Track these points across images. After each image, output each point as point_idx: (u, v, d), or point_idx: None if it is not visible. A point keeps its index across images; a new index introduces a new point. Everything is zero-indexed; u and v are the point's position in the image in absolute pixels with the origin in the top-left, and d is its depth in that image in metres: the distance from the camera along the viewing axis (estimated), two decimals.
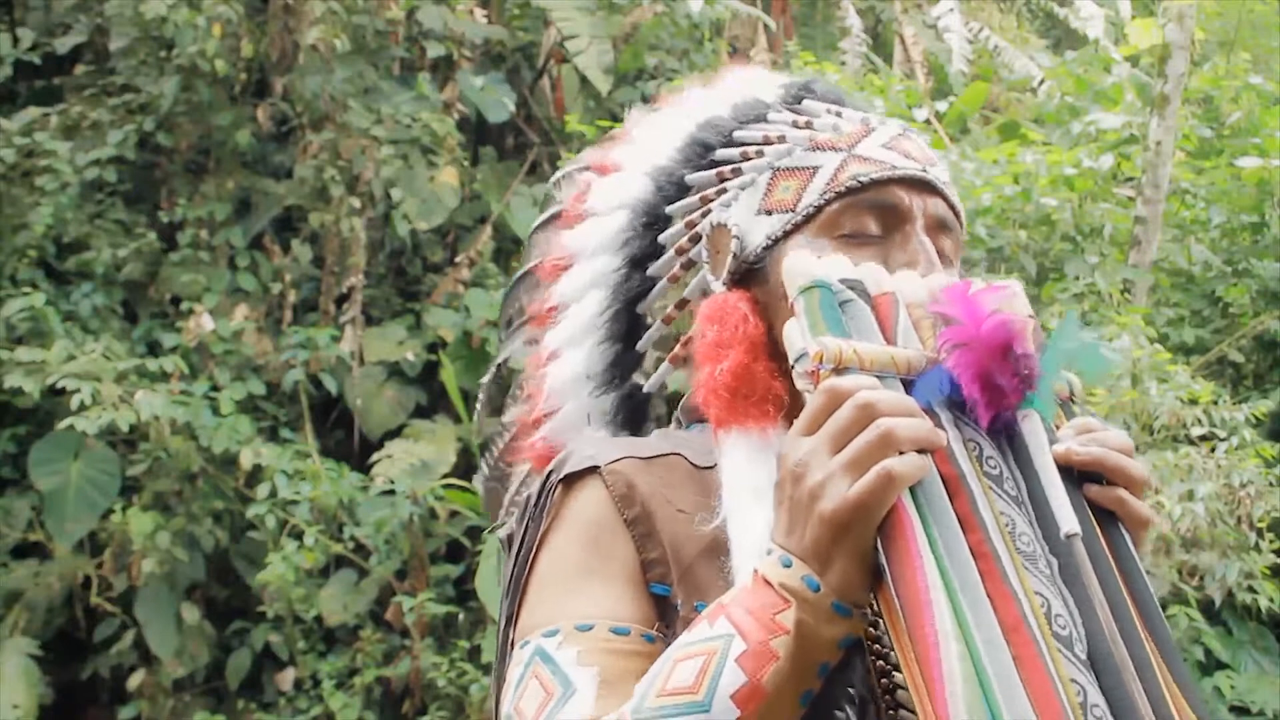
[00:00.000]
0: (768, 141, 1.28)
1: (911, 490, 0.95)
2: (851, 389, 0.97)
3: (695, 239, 1.30)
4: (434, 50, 7.86)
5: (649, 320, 1.34)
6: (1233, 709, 4.94)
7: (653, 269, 1.33)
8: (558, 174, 1.48)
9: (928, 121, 6.77)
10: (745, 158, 1.28)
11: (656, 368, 1.37)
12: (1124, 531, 1.02)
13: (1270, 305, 5.94)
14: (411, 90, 7.80)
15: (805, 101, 1.31)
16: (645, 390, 1.34)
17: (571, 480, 1.18)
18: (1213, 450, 4.75)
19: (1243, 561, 4.68)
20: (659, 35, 7.84)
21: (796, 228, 1.22)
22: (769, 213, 1.24)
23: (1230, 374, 5.83)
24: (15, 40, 7.97)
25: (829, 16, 9.05)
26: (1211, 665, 4.98)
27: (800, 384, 1.03)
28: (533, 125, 8.50)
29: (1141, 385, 4.78)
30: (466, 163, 7.93)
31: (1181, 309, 6.04)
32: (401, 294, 7.96)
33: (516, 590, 1.17)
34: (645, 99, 7.86)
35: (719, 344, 1.19)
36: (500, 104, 7.89)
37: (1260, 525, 4.71)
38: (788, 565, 0.98)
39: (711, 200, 1.29)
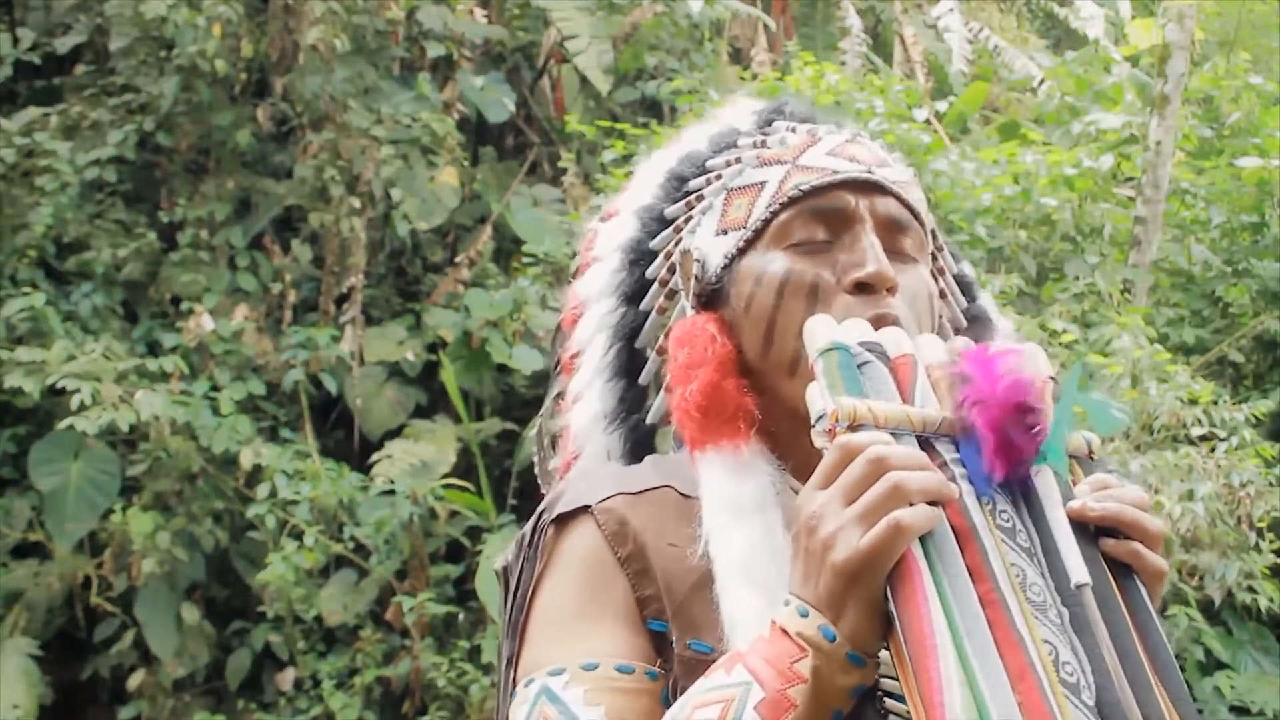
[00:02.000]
0: (728, 165, 1.31)
1: (922, 541, 0.98)
2: (864, 444, 1.00)
3: (672, 269, 1.33)
4: (434, 50, 7.86)
5: (647, 354, 1.37)
6: (1233, 709, 4.94)
7: (643, 304, 1.36)
8: (582, 232, 1.52)
9: (928, 121, 6.77)
10: (709, 183, 1.32)
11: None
12: (1139, 585, 1.03)
13: (1270, 305, 5.94)
14: (411, 90, 7.80)
15: (774, 123, 1.34)
16: (647, 422, 1.37)
17: (563, 520, 1.20)
18: (1213, 450, 4.75)
19: (1243, 561, 4.68)
20: (659, 35, 7.85)
21: (749, 243, 1.25)
22: (725, 232, 1.27)
23: (1230, 374, 5.83)
24: (15, 40, 7.97)
25: (829, 16, 9.04)
26: (1211, 665, 4.98)
27: (818, 443, 1.05)
28: (533, 125, 8.50)
29: (1141, 385, 4.78)
30: (466, 163, 7.93)
31: (1181, 309, 6.04)
32: (401, 294, 7.96)
33: (516, 631, 1.19)
34: (645, 99, 7.89)
35: (689, 365, 1.22)
36: (500, 104, 7.89)
37: (1260, 525, 4.71)
38: (804, 615, 1.00)
39: (682, 229, 1.33)
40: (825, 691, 0.99)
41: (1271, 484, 4.72)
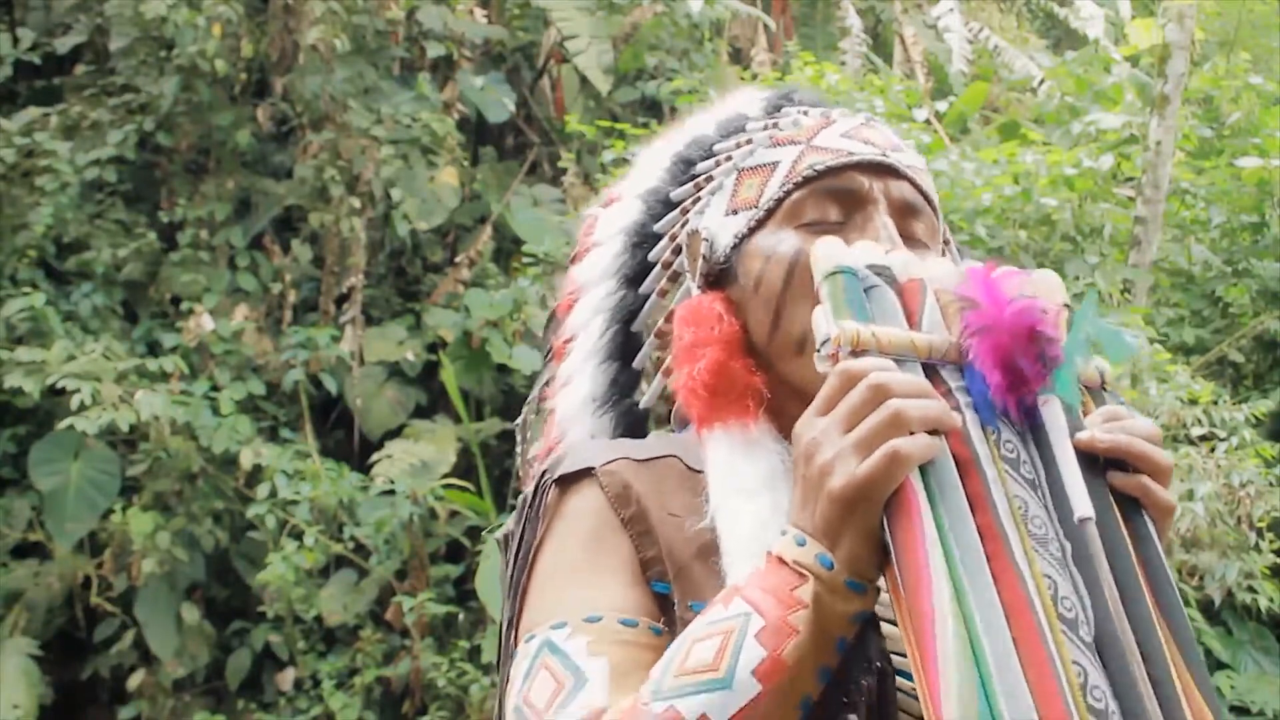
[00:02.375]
0: (738, 147, 1.30)
1: (921, 470, 0.96)
2: (864, 370, 0.98)
3: (677, 251, 1.32)
4: (434, 50, 7.86)
5: (644, 337, 1.36)
6: (1233, 709, 4.94)
7: (643, 286, 1.36)
8: (579, 219, 1.51)
9: (928, 121, 6.77)
10: (717, 165, 1.31)
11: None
12: (1147, 519, 1.01)
13: (1270, 305, 5.94)
14: (411, 90, 7.80)
15: (784, 109, 1.34)
16: (642, 405, 1.36)
17: (566, 482, 1.19)
18: (1213, 450, 4.75)
19: (1243, 561, 4.68)
20: (659, 35, 7.85)
21: (760, 223, 1.24)
22: (735, 212, 1.26)
23: (1230, 374, 5.83)
24: (15, 40, 7.97)
25: (829, 16, 9.05)
26: (1211, 665, 4.98)
27: (821, 368, 1.03)
28: (533, 125, 8.51)
29: (1141, 385, 4.78)
30: (466, 163, 7.93)
31: (1181, 309, 6.05)
32: (401, 294, 7.96)
33: (517, 592, 1.18)
34: (645, 99, 7.89)
35: (695, 344, 1.21)
36: (500, 104, 7.89)
37: (1260, 525, 4.71)
38: (801, 544, 0.99)
39: (689, 210, 1.32)
40: (827, 617, 0.98)
41: (1271, 484, 4.72)
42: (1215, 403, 4.83)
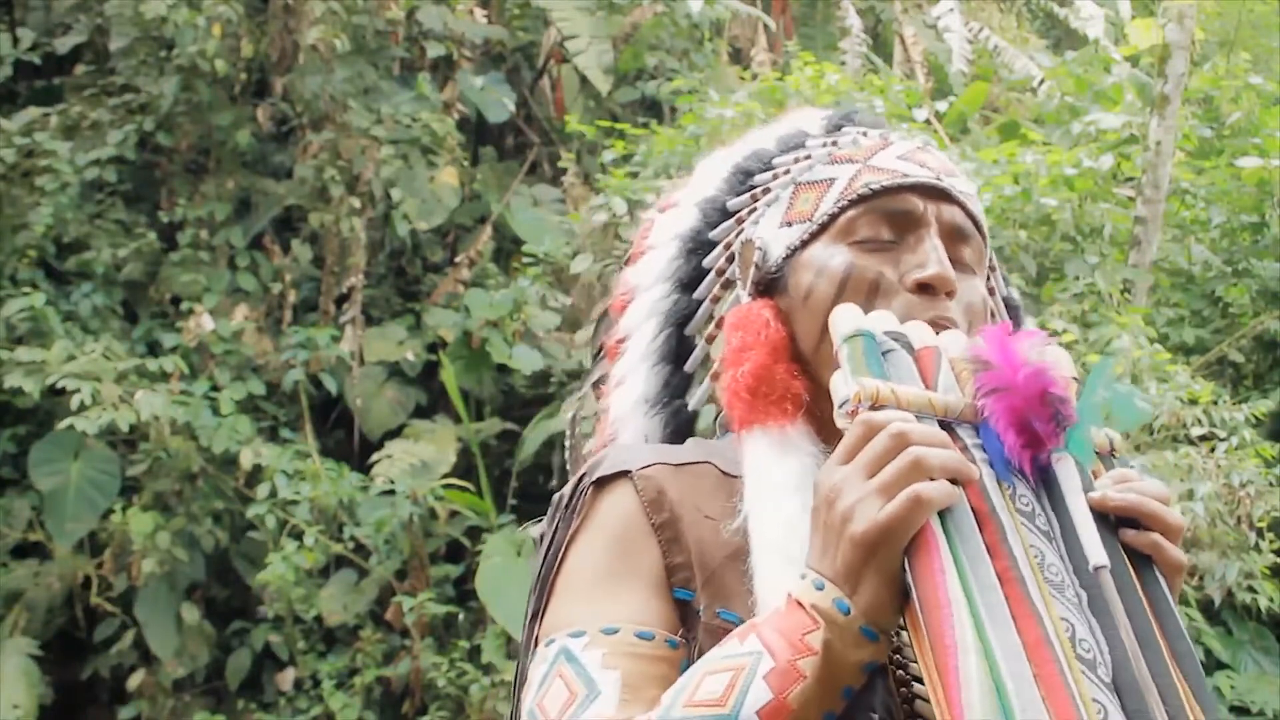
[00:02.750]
0: (796, 162, 1.33)
1: (941, 516, 0.98)
2: (885, 420, 1.01)
3: (731, 259, 1.36)
4: (434, 50, 7.86)
5: (696, 341, 1.40)
6: (1233, 709, 4.94)
7: (697, 292, 1.39)
8: (642, 221, 1.54)
9: (928, 121, 6.76)
10: (775, 178, 1.34)
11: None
12: (1159, 576, 1.04)
13: (1270, 305, 5.94)
14: (411, 90, 7.80)
15: (844, 128, 1.37)
16: (691, 407, 1.39)
17: (603, 483, 1.21)
18: (1213, 450, 4.75)
19: (1243, 561, 4.68)
20: (659, 35, 7.85)
21: (813, 236, 1.27)
22: (789, 224, 1.29)
23: (1230, 374, 5.83)
24: (15, 40, 7.97)
25: (829, 16, 9.04)
26: (1211, 665, 4.98)
27: (841, 424, 1.06)
28: (533, 125, 8.50)
29: (1141, 385, 4.78)
30: (466, 163, 7.93)
31: (1181, 309, 6.04)
32: (401, 294, 7.96)
33: (544, 588, 1.20)
34: (645, 99, 7.89)
35: (742, 348, 1.24)
36: (500, 104, 7.89)
37: (1260, 525, 4.71)
38: (820, 588, 1.01)
39: (745, 220, 1.35)
40: (836, 665, 0.99)
41: (1271, 484, 4.72)
42: (1215, 403, 4.83)
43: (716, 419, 1.36)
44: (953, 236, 1.26)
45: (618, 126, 6.86)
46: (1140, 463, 4.58)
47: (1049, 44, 9.68)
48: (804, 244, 1.27)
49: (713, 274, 1.37)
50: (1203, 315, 6.09)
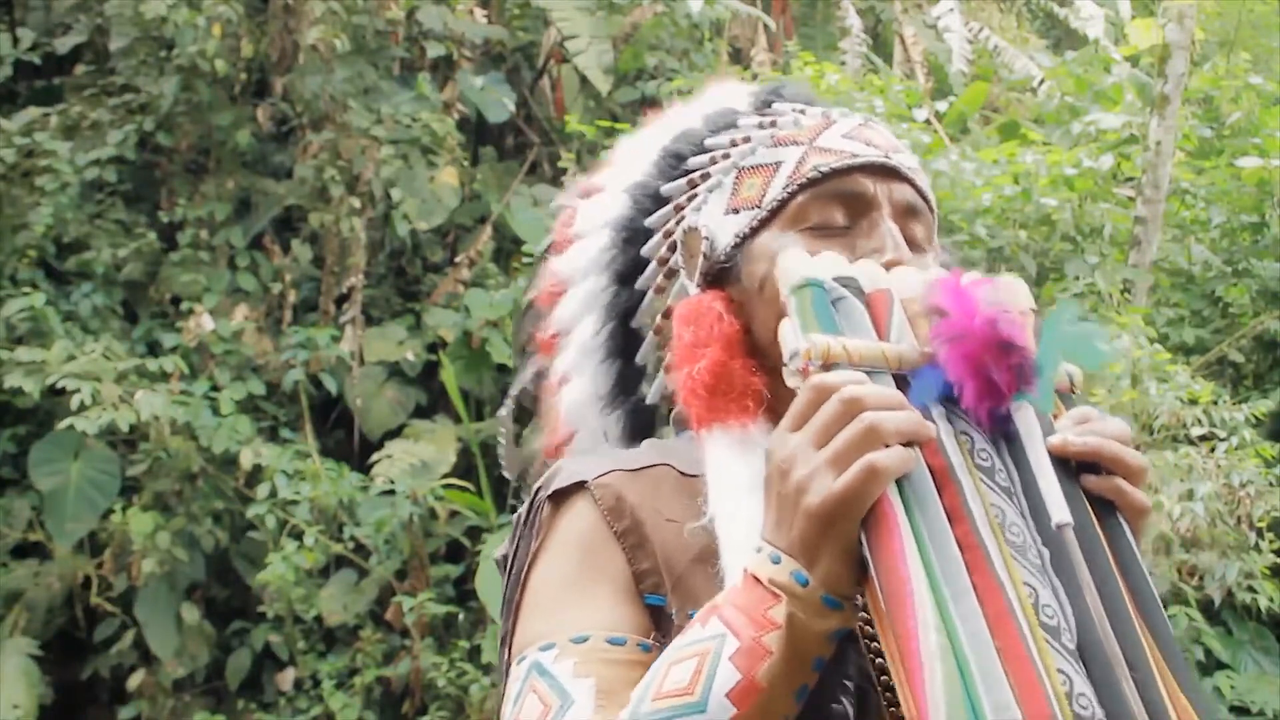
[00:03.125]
0: (734, 144, 1.29)
1: (898, 483, 0.95)
2: (837, 384, 0.98)
3: (673, 247, 1.31)
4: (434, 50, 7.86)
5: (643, 334, 1.35)
6: (1233, 709, 4.94)
7: (639, 283, 1.34)
8: (553, 203, 1.49)
9: (928, 121, 6.77)
10: (713, 162, 1.30)
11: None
12: (1122, 522, 1.01)
13: (1270, 305, 5.94)
14: (411, 90, 7.80)
15: (774, 105, 1.33)
16: (648, 401, 1.35)
17: (559, 497, 1.19)
18: (1213, 450, 4.75)
19: (1243, 561, 4.68)
20: (659, 35, 7.84)
21: (763, 223, 1.23)
22: (736, 211, 1.25)
23: (1230, 374, 5.83)
24: (15, 40, 7.97)
25: (829, 16, 9.04)
26: (1211, 665, 4.98)
27: (791, 382, 1.03)
28: (533, 125, 8.50)
29: (1141, 385, 4.78)
30: (466, 163, 7.93)
31: (1181, 309, 6.04)
32: (401, 294, 7.96)
33: (512, 608, 1.18)
34: (645, 99, 7.88)
35: (695, 344, 1.20)
36: (500, 104, 7.89)
37: (1260, 525, 4.71)
38: (776, 561, 0.98)
39: (684, 207, 1.31)
40: (802, 637, 0.97)
41: (1271, 484, 4.72)
42: (1215, 403, 4.82)
43: (671, 415, 1.32)
44: (905, 215, 1.23)
45: (618, 126, 6.86)
46: (1138, 453, 4.58)
47: (1049, 44, 9.68)
48: (754, 231, 1.23)
49: (654, 264, 1.33)
50: (1203, 315, 6.09)
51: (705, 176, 1.30)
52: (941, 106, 7.34)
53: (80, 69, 8.03)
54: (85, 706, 6.82)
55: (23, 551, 6.80)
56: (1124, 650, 0.93)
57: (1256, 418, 4.86)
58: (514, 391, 1.47)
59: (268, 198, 7.67)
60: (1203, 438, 4.82)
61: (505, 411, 1.49)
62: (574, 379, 1.36)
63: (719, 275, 1.25)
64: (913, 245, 1.21)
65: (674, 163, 1.34)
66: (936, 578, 0.92)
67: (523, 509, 1.22)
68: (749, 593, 0.99)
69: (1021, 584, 0.93)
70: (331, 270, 7.37)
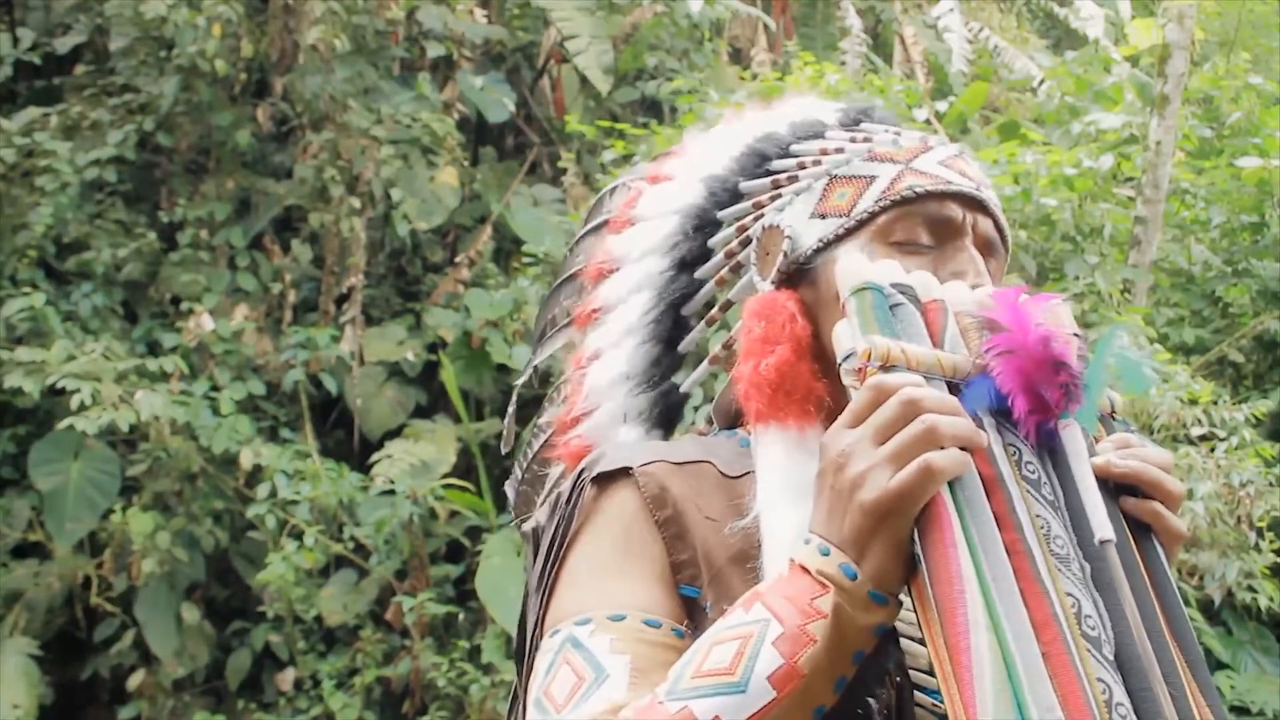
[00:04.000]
0: (825, 153, 1.31)
1: (950, 485, 0.97)
2: (897, 385, 1.00)
3: (745, 242, 1.32)
4: (434, 50, 7.86)
5: (692, 323, 1.36)
6: (1233, 709, 4.94)
7: (700, 271, 1.35)
8: (608, 186, 1.49)
9: (928, 121, 6.76)
10: (802, 166, 1.31)
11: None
12: (1157, 545, 1.04)
13: (1270, 305, 5.94)
14: (411, 90, 7.80)
15: (863, 124, 1.35)
16: (682, 390, 1.36)
17: (604, 480, 1.19)
18: (1212, 450, 4.75)
19: (1243, 561, 4.68)
20: (659, 35, 7.84)
21: (849, 232, 1.24)
22: (823, 216, 1.26)
23: (1230, 374, 5.82)
24: (15, 40, 7.97)
25: (829, 16, 9.04)
26: (1211, 665, 4.98)
27: (847, 380, 1.05)
28: (533, 125, 8.51)
29: None
30: (466, 163, 7.93)
31: (1181, 309, 6.04)
32: (401, 294, 7.96)
33: (547, 585, 1.18)
34: (645, 99, 7.89)
35: (765, 339, 1.21)
36: (500, 104, 7.89)
37: (1260, 525, 4.71)
38: (825, 553, 1.00)
39: (764, 205, 1.32)
40: (846, 628, 0.98)
41: (1271, 484, 4.72)
42: (1215, 403, 4.82)
43: (714, 406, 1.33)
44: (985, 249, 1.25)
45: (618, 126, 6.86)
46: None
47: (1049, 44, 9.68)
48: (838, 239, 1.24)
49: (721, 255, 1.34)
50: (1203, 315, 6.09)
51: (792, 179, 1.31)
52: (941, 106, 7.33)
53: (80, 69, 8.03)
54: (85, 706, 6.82)
55: (23, 551, 6.80)
56: (1160, 665, 0.95)
57: (1256, 418, 4.86)
58: (536, 359, 1.47)
59: (268, 198, 7.67)
60: (1203, 438, 4.82)
61: (522, 380, 1.49)
62: (607, 355, 1.36)
63: (793, 276, 1.27)
64: (990, 279, 1.24)
65: (757, 161, 1.35)
66: (986, 578, 0.94)
67: (565, 487, 1.23)
68: (796, 581, 1.00)
69: (1065, 594, 0.95)
70: (331, 270, 7.37)
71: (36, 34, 8.06)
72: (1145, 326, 5.07)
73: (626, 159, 6.47)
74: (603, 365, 1.36)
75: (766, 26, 8.34)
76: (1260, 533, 4.74)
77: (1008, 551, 0.95)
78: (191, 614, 6.57)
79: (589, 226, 1.46)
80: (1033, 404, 1.02)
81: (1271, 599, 4.74)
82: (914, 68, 8.30)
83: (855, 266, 1.12)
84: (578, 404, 1.36)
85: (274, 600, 6.38)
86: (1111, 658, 0.94)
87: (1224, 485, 4.65)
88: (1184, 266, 6.23)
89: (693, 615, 1.13)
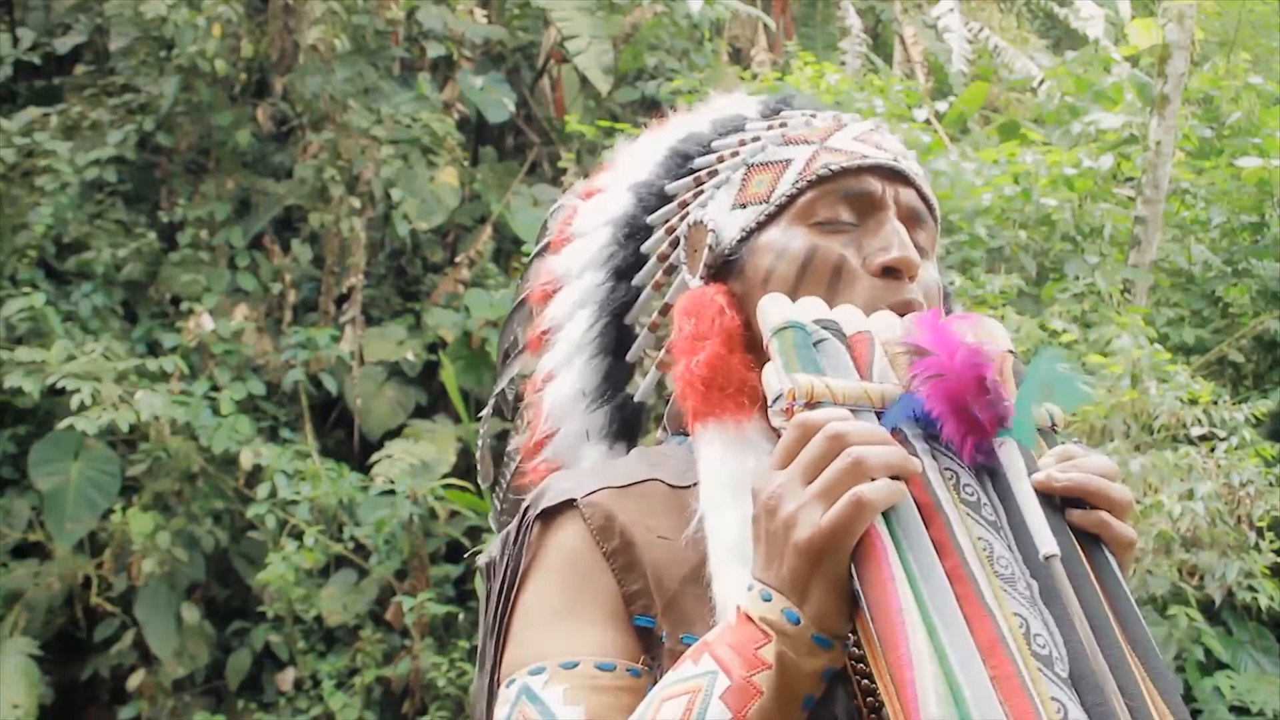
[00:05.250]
0: (743, 144, 1.30)
1: (885, 516, 0.96)
2: (822, 421, 0.98)
3: (675, 243, 1.31)
4: (434, 50, 7.86)
5: (637, 331, 1.35)
6: (1233, 709, 4.93)
7: (637, 279, 1.34)
8: (551, 209, 1.48)
9: (928, 121, 6.77)
10: (721, 160, 1.30)
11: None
12: (1108, 555, 1.02)
13: (1270, 305, 5.94)
14: (411, 90, 7.80)
15: (783, 112, 1.34)
16: (636, 399, 1.35)
17: (549, 516, 1.17)
18: (1212, 450, 4.75)
19: (1243, 561, 4.68)
20: (659, 35, 7.85)
21: (770, 218, 1.23)
22: (744, 206, 1.26)
23: (1230, 374, 5.82)
24: (15, 40, 7.98)
25: (829, 16, 9.05)
26: (1211, 665, 4.98)
27: (776, 422, 1.04)
28: (533, 125, 8.51)
29: (1141, 385, 4.78)
30: (466, 163, 7.93)
31: (1181, 309, 6.04)
32: (401, 294, 7.96)
33: (500, 629, 1.17)
34: (645, 99, 7.89)
35: (695, 336, 1.20)
36: (500, 104, 7.89)
37: (1260, 525, 4.71)
38: (767, 599, 0.98)
39: (689, 204, 1.31)
40: (792, 676, 0.97)
41: (1271, 484, 4.72)
42: (1215, 403, 4.82)
43: (664, 419, 1.32)
44: (910, 219, 1.23)
45: (618, 126, 6.86)
46: (1140, 463, 4.58)
47: (1049, 44, 9.68)
48: (760, 226, 1.23)
49: (654, 259, 1.33)
50: (1203, 315, 6.09)
51: (712, 174, 1.30)
52: (941, 106, 7.34)
53: (80, 69, 8.03)
54: (85, 706, 6.82)
55: (23, 551, 6.80)
56: (1115, 676, 0.93)
57: (1256, 418, 4.86)
58: (496, 391, 1.46)
59: (268, 198, 7.67)
60: (1203, 437, 4.82)
61: (486, 413, 1.48)
62: (560, 375, 1.35)
63: (722, 269, 1.25)
64: (917, 250, 1.22)
65: (680, 162, 1.34)
66: (927, 608, 0.92)
67: (512, 526, 1.21)
68: (741, 630, 0.99)
69: (1012, 614, 0.93)
70: (331, 270, 7.37)
71: (36, 34, 8.07)
72: (1145, 326, 5.07)
73: None
74: (557, 386, 1.35)
75: (766, 26, 8.34)
76: (1260, 533, 4.74)
77: (949, 578, 0.94)
78: (191, 614, 6.57)
79: (534, 252, 1.45)
80: (965, 425, 1.00)
81: (1271, 599, 4.74)
82: (914, 68, 8.30)
83: (776, 306, 1.10)
84: (539, 428, 1.35)
85: (274, 600, 6.38)
86: (1066, 675, 0.92)
87: (1224, 485, 4.65)
88: (1184, 266, 6.23)
89: (649, 646, 1.11)
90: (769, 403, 1.04)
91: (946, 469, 1.01)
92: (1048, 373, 1.03)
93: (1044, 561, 0.96)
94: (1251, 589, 4.73)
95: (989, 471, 1.02)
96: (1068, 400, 1.06)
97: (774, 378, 1.05)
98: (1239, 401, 5.02)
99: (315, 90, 7.29)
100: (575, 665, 1.09)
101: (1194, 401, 4.78)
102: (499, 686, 1.13)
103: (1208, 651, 4.88)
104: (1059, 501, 1.02)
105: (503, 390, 1.46)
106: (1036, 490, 1.00)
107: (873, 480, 0.95)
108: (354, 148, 7.30)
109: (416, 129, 7.53)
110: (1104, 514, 1.02)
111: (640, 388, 1.35)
